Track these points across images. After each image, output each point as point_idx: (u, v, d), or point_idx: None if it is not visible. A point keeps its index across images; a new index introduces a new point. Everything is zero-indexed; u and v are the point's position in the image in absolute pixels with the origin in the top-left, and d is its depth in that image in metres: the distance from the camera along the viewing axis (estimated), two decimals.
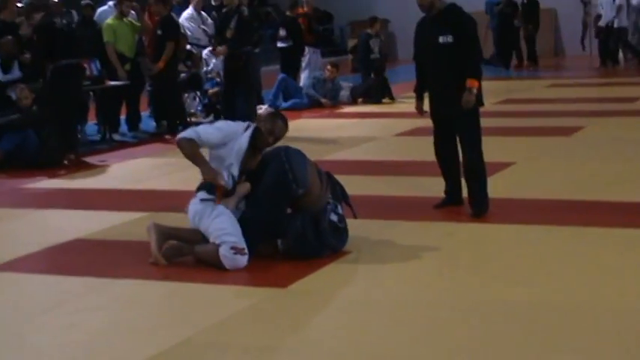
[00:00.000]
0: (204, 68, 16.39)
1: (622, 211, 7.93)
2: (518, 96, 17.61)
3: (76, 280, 6.74)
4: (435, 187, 8.46)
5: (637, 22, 23.05)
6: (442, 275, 6.46)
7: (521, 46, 24.04)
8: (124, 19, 14.12)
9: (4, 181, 10.89)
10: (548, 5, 25.60)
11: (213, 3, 18.62)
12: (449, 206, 8.19)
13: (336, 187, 7.19)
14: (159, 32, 13.91)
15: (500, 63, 23.35)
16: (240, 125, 7.10)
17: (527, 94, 17.84)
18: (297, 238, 6.81)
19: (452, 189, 8.23)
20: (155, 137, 13.97)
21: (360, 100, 17.47)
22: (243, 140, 6.92)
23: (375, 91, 17.43)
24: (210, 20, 17.68)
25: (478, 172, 8.00)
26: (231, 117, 13.61)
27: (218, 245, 6.62)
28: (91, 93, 14.24)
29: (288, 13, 18.36)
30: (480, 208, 7.94)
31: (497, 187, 8.37)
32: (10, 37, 12.62)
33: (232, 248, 6.58)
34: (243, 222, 6.78)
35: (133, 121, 14.46)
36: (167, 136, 13.51)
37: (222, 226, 6.67)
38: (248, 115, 13.75)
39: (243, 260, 6.62)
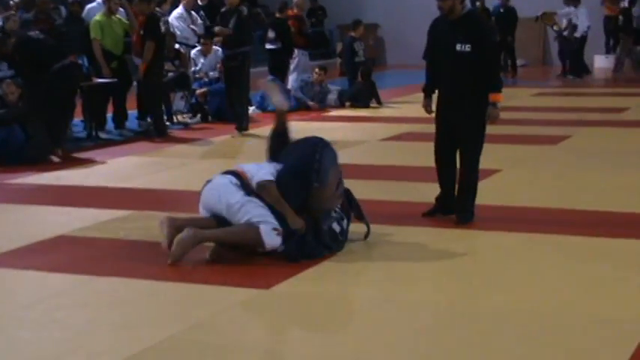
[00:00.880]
0: (193, 68, 16.37)
1: (606, 221, 7.96)
2: (505, 104, 17.58)
3: (59, 277, 6.72)
4: (417, 192, 8.47)
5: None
6: (425, 280, 6.47)
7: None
8: (113, 17, 14.10)
9: None
10: (535, 14, 25.55)
11: (200, 2, 18.60)
12: (437, 215, 8.13)
13: (352, 204, 7.30)
14: (141, 32, 13.90)
15: None
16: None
17: (513, 103, 17.86)
18: (298, 241, 6.87)
19: (444, 198, 8.15)
20: (141, 136, 13.93)
21: (347, 104, 17.47)
22: None
23: (363, 95, 17.43)
24: (200, 20, 17.67)
25: (471, 184, 7.99)
26: (238, 116, 13.76)
27: (256, 224, 6.73)
28: (78, 90, 14.19)
29: (277, 15, 18.35)
30: (465, 217, 7.94)
31: (482, 194, 8.36)
32: None
33: (274, 229, 6.75)
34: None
35: (120, 119, 14.43)
36: (156, 139, 13.51)
37: (260, 212, 6.81)
38: (239, 115, 13.80)
39: (279, 241, 6.79)
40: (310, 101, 17.12)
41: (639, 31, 24.00)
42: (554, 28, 23.29)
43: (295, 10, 18.77)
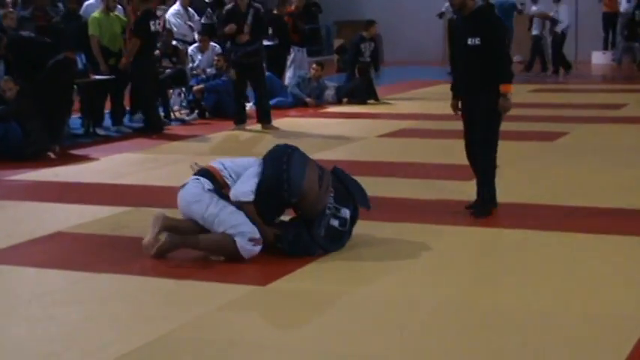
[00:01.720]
0: (190, 64, 16.38)
1: (604, 217, 7.97)
2: None
3: (56, 273, 6.73)
4: (416, 188, 8.46)
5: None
6: (423, 277, 6.47)
7: None
8: (111, 14, 14.10)
9: None
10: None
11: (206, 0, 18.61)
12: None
13: (347, 185, 7.22)
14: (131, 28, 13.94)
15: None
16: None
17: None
18: (293, 239, 6.88)
19: None
20: (139, 133, 13.92)
21: (344, 100, 17.47)
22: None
23: (360, 91, 17.43)
24: (196, 17, 17.68)
25: (486, 178, 8.08)
26: (239, 110, 13.77)
27: (232, 236, 6.71)
28: (75, 86, 14.19)
29: (275, 11, 18.34)
30: (479, 211, 8.02)
31: None
32: None
33: (250, 240, 6.72)
34: None
35: (117, 115, 14.42)
36: (153, 135, 13.51)
37: (235, 220, 6.76)
38: (267, 110, 13.92)
39: (258, 249, 6.78)
40: (307, 97, 17.11)
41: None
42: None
43: (293, 7, 18.78)
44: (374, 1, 28.38)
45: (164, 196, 9.10)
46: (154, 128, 13.79)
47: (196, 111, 15.66)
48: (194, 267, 6.66)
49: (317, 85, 17.41)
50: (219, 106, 15.40)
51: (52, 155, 11.67)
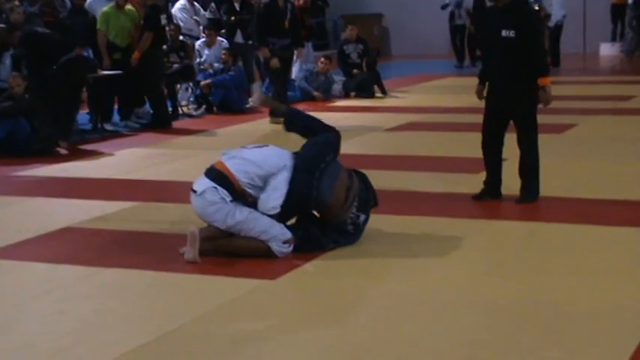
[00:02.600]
0: (197, 59, 16.37)
1: (614, 210, 7.95)
2: None
3: (66, 269, 6.73)
4: (425, 181, 8.43)
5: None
6: (432, 270, 6.46)
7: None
8: (125, 8, 14.08)
9: None
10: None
11: None
12: (487, 199, 8.27)
13: (368, 194, 7.20)
14: (142, 22, 13.94)
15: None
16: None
17: None
18: (303, 235, 6.88)
19: (492, 183, 8.33)
20: (147, 128, 13.93)
21: (352, 94, 17.46)
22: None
23: (368, 85, 17.43)
24: (202, 11, 17.67)
25: (533, 167, 8.17)
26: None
27: (265, 242, 6.71)
28: (84, 83, 14.18)
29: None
30: (530, 195, 8.15)
31: None
32: (2, 25, 12.60)
33: (284, 242, 6.75)
34: None
35: (125, 110, 14.42)
36: (161, 130, 13.51)
37: (263, 224, 6.71)
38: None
39: (292, 247, 6.80)
40: (315, 91, 17.10)
41: None
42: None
43: (301, 2, 18.75)
44: None
45: (173, 191, 9.13)
46: (162, 123, 13.81)
47: (204, 106, 15.67)
48: (203, 262, 6.65)
49: (325, 79, 17.41)
50: (227, 100, 15.43)
51: (60, 151, 11.69)
